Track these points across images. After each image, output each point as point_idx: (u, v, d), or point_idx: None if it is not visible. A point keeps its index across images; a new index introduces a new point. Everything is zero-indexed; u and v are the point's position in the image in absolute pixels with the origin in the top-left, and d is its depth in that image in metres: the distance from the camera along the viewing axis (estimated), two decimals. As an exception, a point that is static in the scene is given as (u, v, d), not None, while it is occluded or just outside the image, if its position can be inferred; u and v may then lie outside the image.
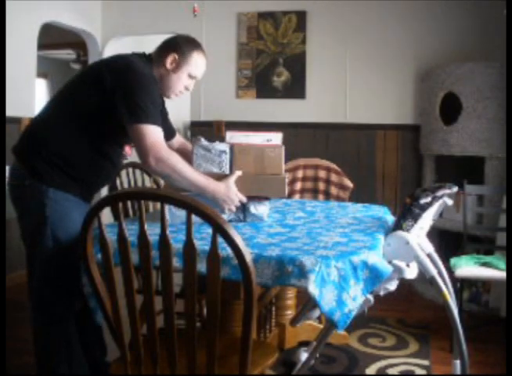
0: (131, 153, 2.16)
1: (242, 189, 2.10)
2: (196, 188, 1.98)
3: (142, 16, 5.06)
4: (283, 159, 2.16)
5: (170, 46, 2.13)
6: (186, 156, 2.14)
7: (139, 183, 2.94)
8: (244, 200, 2.09)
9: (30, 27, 4.32)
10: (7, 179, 2.08)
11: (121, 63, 2.00)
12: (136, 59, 2.06)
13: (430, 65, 4.39)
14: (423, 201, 2.00)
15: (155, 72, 2.11)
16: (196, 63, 2.15)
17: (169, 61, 2.11)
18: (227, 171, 2.12)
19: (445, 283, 2.17)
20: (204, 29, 4.95)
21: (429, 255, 2.10)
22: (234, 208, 2.09)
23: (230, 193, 2.05)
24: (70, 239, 1.94)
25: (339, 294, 1.60)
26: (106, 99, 1.95)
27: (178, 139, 2.46)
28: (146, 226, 1.39)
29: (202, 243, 1.63)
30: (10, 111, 3.92)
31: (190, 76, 2.16)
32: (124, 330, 1.51)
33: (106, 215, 1.79)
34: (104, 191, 3.53)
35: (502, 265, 2.91)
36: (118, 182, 2.75)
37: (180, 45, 2.13)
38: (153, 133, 1.92)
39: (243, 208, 2.14)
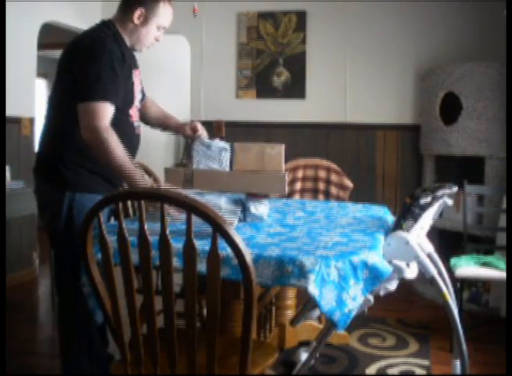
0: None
1: (242, 186, 2.09)
2: (122, 171, 1.92)
3: (142, 16, 5.05)
4: (283, 157, 2.15)
5: (135, 1, 2.10)
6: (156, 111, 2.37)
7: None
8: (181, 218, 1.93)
9: (30, 27, 4.33)
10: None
11: (78, 44, 2.03)
12: (95, 33, 2.05)
13: (430, 65, 4.39)
14: (423, 201, 2.00)
15: (122, 30, 2.10)
16: (164, 14, 2.14)
17: (136, 16, 2.08)
18: (227, 169, 2.12)
19: (445, 283, 2.17)
20: (204, 29, 4.95)
21: (429, 255, 2.11)
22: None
23: None
24: None
25: (339, 294, 1.60)
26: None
27: (149, 101, 2.45)
28: (146, 226, 1.40)
29: (202, 243, 1.62)
30: (10, 111, 3.92)
31: (159, 27, 2.15)
32: (124, 330, 1.51)
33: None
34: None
35: (503, 265, 2.91)
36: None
37: None
38: (97, 111, 1.91)
39: (243, 208, 2.14)
